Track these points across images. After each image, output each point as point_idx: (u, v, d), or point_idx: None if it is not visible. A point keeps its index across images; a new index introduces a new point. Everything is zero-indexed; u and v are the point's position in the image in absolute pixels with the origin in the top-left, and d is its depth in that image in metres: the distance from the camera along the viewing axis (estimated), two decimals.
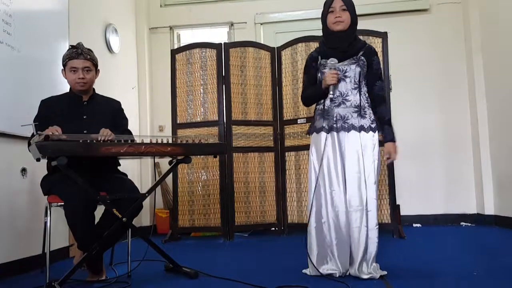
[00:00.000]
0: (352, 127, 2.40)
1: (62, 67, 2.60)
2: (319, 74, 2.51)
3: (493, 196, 4.42)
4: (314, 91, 2.53)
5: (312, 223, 2.43)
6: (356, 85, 2.43)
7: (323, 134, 2.44)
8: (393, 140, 2.44)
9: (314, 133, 2.50)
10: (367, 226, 2.35)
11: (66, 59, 2.54)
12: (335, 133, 2.42)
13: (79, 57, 2.53)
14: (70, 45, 2.65)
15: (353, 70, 2.41)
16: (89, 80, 2.57)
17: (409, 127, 4.64)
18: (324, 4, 2.48)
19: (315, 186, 2.43)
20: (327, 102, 2.44)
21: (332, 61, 2.42)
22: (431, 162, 4.68)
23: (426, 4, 4.77)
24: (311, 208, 2.43)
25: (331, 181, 2.41)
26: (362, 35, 3.92)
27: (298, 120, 4.14)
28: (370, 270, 2.33)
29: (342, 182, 2.40)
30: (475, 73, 4.56)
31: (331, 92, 2.39)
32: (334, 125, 2.41)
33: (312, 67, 2.55)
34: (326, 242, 2.41)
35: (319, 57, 2.51)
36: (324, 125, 2.44)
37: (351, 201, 2.37)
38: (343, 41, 2.43)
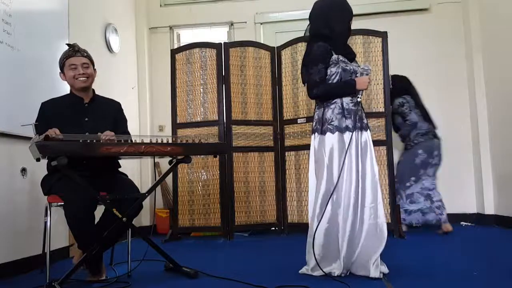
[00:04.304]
0: (367, 126, 2.47)
1: (60, 70, 2.61)
2: (334, 69, 2.45)
3: (493, 196, 4.42)
4: (340, 90, 2.46)
5: (323, 224, 2.38)
6: None
7: (347, 134, 2.40)
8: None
9: (337, 132, 2.41)
10: (377, 221, 2.36)
11: (64, 59, 2.56)
12: (356, 132, 2.41)
13: (76, 54, 2.57)
14: (66, 44, 2.66)
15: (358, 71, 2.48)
16: (90, 75, 2.59)
17: None
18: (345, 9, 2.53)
19: (334, 187, 2.37)
20: (346, 101, 2.44)
21: (366, 66, 2.46)
22: None
23: (426, 4, 4.77)
24: (324, 209, 2.37)
25: (350, 180, 2.38)
26: (362, 34, 3.95)
27: (298, 119, 4.14)
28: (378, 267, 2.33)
29: (356, 179, 2.39)
30: (475, 73, 4.55)
31: (359, 96, 2.43)
32: (358, 124, 2.43)
33: (328, 58, 2.45)
34: (336, 243, 2.38)
35: (333, 53, 2.46)
36: (348, 124, 2.42)
37: (367, 198, 2.38)
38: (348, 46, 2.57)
